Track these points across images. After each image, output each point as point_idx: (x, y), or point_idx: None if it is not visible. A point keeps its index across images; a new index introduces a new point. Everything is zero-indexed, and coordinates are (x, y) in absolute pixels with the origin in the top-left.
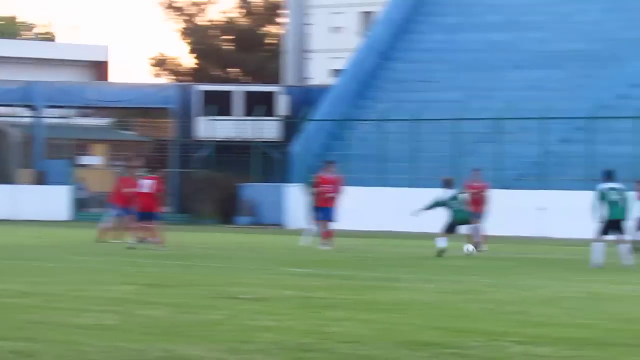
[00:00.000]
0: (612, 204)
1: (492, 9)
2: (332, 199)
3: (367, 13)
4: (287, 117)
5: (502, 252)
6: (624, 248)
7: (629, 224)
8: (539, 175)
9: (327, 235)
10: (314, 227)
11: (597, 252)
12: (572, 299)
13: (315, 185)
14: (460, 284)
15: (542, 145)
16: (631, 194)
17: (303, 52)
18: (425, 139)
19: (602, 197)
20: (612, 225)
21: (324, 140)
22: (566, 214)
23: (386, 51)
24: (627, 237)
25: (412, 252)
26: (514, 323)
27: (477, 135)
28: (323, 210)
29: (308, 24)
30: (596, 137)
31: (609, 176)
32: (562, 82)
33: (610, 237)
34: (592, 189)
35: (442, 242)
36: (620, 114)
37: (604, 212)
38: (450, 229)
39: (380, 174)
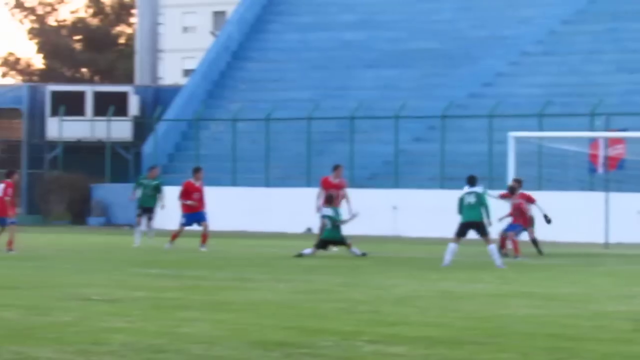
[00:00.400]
0: (467, 207)
1: (345, 8)
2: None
3: (220, 12)
4: (138, 117)
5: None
6: (493, 249)
7: (490, 224)
8: (392, 174)
9: (175, 236)
10: (143, 227)
11: (448, 252)
12: (426, 297)
13: (184, 193)
14: (312, 283)
15: (395, 144)
16: (490, 195)
17: (155, 52)
18: (278, 139)
19: (461, 201)
20: (468, 227)
21: (176, 140)
22: (419, 213)
23: (239, 51)
24: (493, 237)
25: (264, 252)
26: (367, 322)
27: (330, 134)
28: (195, 215)
29: (160, 24)
30: (449, 136)
31: (471, 181)
32: (415, 81)
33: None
34: (445, 187)
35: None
36: (473, 112)
37: (461, 214)
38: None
39: (234, 173)
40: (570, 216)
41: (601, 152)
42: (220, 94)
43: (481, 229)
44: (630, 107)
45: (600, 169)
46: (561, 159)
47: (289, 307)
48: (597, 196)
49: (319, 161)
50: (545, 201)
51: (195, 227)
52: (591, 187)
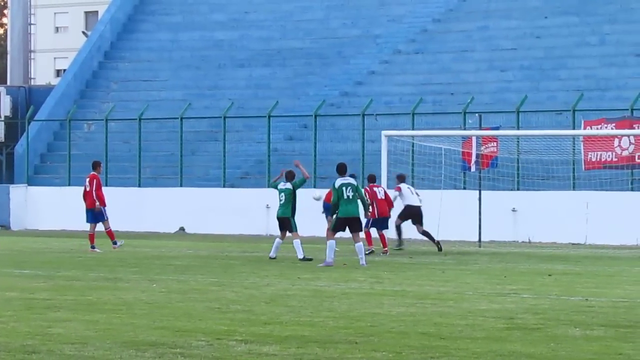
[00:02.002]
0: (346, 201)
1: (216, 8)
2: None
3: (92, 12)
4: (10, 118)
5: (228, 250)
6: (361, 247)
7: (364, 220)
8: (264, 174)
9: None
10: None
11: (330, 249)
12: (298, 297)
13: (100, 186)
14: (185, 283)
15: (268, 143)
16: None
17: (27, 52)
18: (150, 138)
19: (340, 193)
20: (347, 222)
21: (49, 140)
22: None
23: (110, 50)
24: (362, 235)
25: (137, 252)
26: (240, 322)
27: (202, 133)
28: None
29: (32, 24)
30: (321, 135)
31: (341, 170)
32: (288, 81)
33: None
34: (319, 187)
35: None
36: (345, 111)
37: (339, 208)
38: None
39: (105, 173)
40: (443, 214)
41: (474, 150)
42: (92, 94)
43: (357, 225)
44: (502, 105)
45: (473, 167)
46: (434, 157)
47: (162, 307)
48: (470, 194)
49: (191, 160)
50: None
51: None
52: (464, 186)
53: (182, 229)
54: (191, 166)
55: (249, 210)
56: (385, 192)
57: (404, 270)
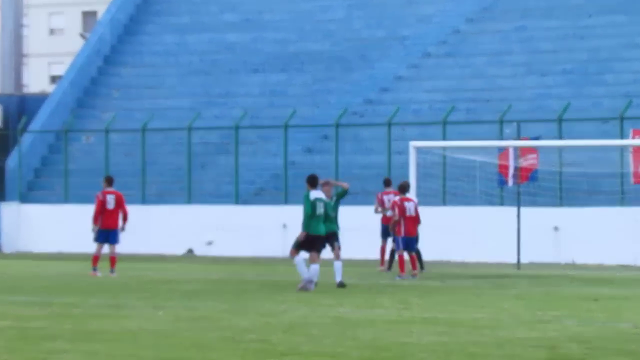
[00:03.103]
0: (319, 219)
1: (227, 7)
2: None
3: (90, 13)
4: (1, 129)
5: (241, 274)
6: (340, 265)
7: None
8: (281, 189)
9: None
10: None
11: (313, 270)
12: (319, 324)
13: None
14: (194, 310)
15: (284, 156)
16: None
17: (19, 56)
18: (155, 151)
19: (312, 208)
20: (319, 240)
21: (43, 153)
22: None
23: (111, 55)
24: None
25: (141, 276)
26: (255, 353)
27: (213, 145)
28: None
29: (24, 26)
30: (343, 147)
31: (314, 183)
32: (306, 87)
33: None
34: (342, 203)
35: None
36: (370, 120)
37: (310, 225)
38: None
39: None
40: (478, 234)
41: (511, 163)
42: (91, 102)
43: (333, 240)
44: (542, 113)
45: (511, 181)
46: (467, 171)
47: (169, 337)
48: (508, 211)
49: (201, 175)
50: (450, 217)
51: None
52: (501, 202)
53: (190, 250)
54: (200, 181)
55: (263, 230)
56: (416, 209)
57: (434, 295)
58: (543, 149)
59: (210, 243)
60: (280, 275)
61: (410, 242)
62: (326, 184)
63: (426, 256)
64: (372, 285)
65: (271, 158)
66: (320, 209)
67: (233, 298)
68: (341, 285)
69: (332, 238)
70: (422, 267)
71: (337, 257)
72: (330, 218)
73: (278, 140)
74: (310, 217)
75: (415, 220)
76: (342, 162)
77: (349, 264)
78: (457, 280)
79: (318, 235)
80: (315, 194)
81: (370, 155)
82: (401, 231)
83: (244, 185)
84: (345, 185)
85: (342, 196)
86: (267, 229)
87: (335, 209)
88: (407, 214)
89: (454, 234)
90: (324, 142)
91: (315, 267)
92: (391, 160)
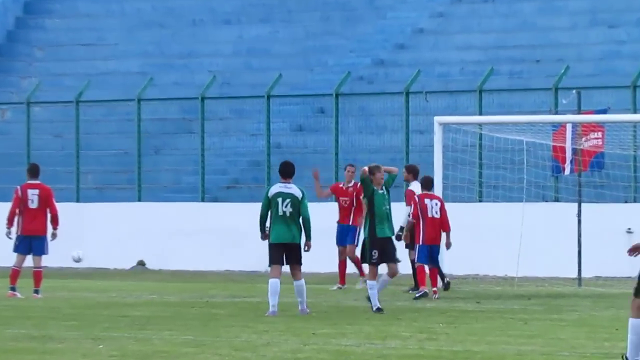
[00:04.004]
0: (281, 220)
1: None
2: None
3: None
4: None
5: (210, 295)
6: (302, 286)
7: (308, 248)
8: (262, 181)
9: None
10: None
11: (273, 292)
12: None
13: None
14: (146, 343)
15: (267, 136)
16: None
17: None
18: (93, 130)
19: (273, 204)
20: (282, 250)
21: None
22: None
23: (33, 1)
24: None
25: (74, 298)
26: None
27: (170, 123)
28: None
29: None
30: (346, 123)
31: (286, 171)
32: (296, 44)
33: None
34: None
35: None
36: (381, 88)
37: (272, 229)
38: None
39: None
40: (525, 239)
41: (569, 145)
42: (6, 65)
43: (295, 255)
44: (611, 77)
45: (568, 169)
46: (511, 155)
47: None
48: (565, 208)
49: (155, 163)
50: (488, 217)
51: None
52: (555, 196)
53: (141, 263)
54: (154, 171)
55: (240, 236)
56: (442, 207)
57: (468, 322)
58: (611, 126)
59: (78, 259)
60: (261, 295)
61: (432, 252)
62: (376, 170)
63: (456, 269)
64: (386, 308)
65: (249, 139)
66: (282, 208)
67: (198, 326)
68: (379, 311)
69: (387, 246)
70: (444, 283)
71: (392, 273)
72: (387, 216)
73: (258, 116)
74: (262, 218)
75: (438, 223)
76: (344, 143)
77: (351, 279)
78: (497, 301)
79: (285, 243)
80: (278, 187)
81: (382, 135)
82: (420, 238)
83: (212, 176)
84: (394, 170)
85: (390, 185)
86: (245, 235)
87: (389, 202)
88: (429, 214)
89: (492, 239)
90: (319, 117)
91: (299, 285)
92: (410, 142)
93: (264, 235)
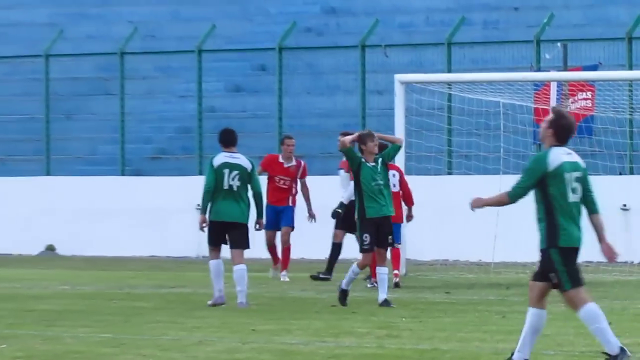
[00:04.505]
0: (226, 194)
1: None
2: None
3: None
4: None
5: (131, 285)
6: (240, 272)
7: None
8: (193, 150)
9: None
10: None
11: (217, 273)
12: None
13: None
14: (56, 341)
15: (199, 98)
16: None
17: None
18: None
19: (218, 176)
20: (221, 229)
21: None
22: None
23: None
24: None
25: None
26: None
27: (83, 82)
28: None
29: None
30: (289, 82)
31: (227, 140)
32: None
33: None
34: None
35: None
36: (332, 41)
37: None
38: None
39: None
40: (503, 218)
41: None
42: None
43: (240, 237)
44: (602, 27)
45: None
46: (486, 119)
47: None
48: None
49: (66, 130)
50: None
51: None
52: None
53: (50, 248)
54: (65, 140)
55: (166, 215)
56: (401, 179)
57: (435, 315)
58: (603, 85)
59: None
60: (194, 285)
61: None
62: (368, 138)
63: (422, 253)
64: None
65: (177, 102)
66: (228, 181)
67: (119, 322)
68: (386, 304)
69: (384, 227)
70: (317, 274)
71: (385, 262)
72: (380, 192)
73: (188, 74)
74: (210, 192)
75: (398, 197)
76: (289, 106)
77: (297, 265)
78: (470, 291)
79: (226, 222)
80: (224, 157)
81: (334, 96)
82: None
83: (134, 145)
84: (397, 140)
85: (391, 157)
86: (173, 214)
87: (385, 177)
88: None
89: (464, 219)
90: (260, 75)
91: (239, 270)
92: (367, 104)
93: (204, 218)
